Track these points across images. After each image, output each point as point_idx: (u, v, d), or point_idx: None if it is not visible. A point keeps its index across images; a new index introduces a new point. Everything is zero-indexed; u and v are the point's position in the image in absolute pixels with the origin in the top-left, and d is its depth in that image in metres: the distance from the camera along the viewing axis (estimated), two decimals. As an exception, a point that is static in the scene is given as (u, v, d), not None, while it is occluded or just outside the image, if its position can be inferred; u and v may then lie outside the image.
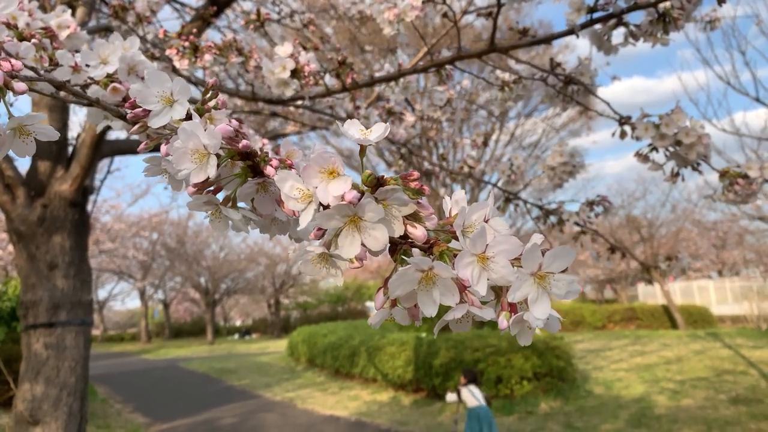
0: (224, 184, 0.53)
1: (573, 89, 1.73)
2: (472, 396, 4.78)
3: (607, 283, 22.77)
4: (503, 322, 0.46)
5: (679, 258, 2.48)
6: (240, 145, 0.50)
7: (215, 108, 0.57)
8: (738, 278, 19.19)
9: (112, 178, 19.68)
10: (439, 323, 0.47)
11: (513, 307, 0.46)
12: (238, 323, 33.77)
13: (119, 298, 39.01)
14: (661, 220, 18.87)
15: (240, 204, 0.55)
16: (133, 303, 40.57)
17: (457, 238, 0.47)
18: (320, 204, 0.46)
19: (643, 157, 1.61)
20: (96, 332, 29.35)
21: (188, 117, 0.55)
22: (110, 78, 0.75)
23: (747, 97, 8.61)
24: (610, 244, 2.01)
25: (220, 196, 0.53)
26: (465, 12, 2.22)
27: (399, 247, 0.48)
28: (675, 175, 1.61)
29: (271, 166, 0.50)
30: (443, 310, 0.47)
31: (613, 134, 1.71)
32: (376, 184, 0.46)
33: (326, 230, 0.48)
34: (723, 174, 1.57)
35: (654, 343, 10.63)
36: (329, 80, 2.06)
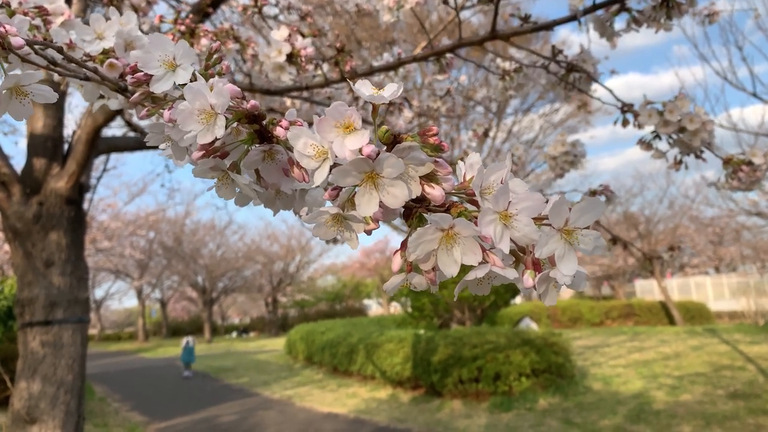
0: (230, 150, 0.51)
1: (575, 77, 1.71)
2: (188, 341, 11.90)
3: (605, 279, 22.80)
4: (528, 280, 0.44)
5: (681, 248, 2.44)
6: (248, 105, 0.48)
7: (219, 74, 0.55)
8: (735, 274, 19.24)
9: (109, 177, 19.58)
10: (460, 284, 0.45)
11: (537, 266, 0.45)
12: (235, 321, 33.73)
13: (116, 297, 38.92)
14: (659, 217, 18.88)
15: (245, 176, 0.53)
16: (131, 302, 40.45)
17: (474, 202, 0.45)
18: (335, 162, 0.44)
19: (646, 145, 1.60)
20: (93, 331, 29.30)
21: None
22: (107, 54, 0.73)
23: (744, 93, 8.61)
24: (612, 236, 1.99)
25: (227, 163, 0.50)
26: (463, 6, 2.20)
27: (414, 211, 0.46)
28: (678, 163, 1.60)
29: (281, 126, 0.48)
30: (460, 276, 0.45)
31: (615, 122, 1.69)
32: (392, 141, 0.44)
33: (341, 191, 0.46)
34: (727, 161, 1.55)
35: (652, 339, 10.63)
36: (327, 72, 2.04)
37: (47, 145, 2.96)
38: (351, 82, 0.46)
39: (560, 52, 1.72)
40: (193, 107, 0.47)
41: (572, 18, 1.50)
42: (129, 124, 4.22)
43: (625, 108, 1.65)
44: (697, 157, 1.56)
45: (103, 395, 9.42)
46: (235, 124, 0.50)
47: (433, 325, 10.83)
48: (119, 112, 2.98)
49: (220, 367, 12.62)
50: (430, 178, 0.45)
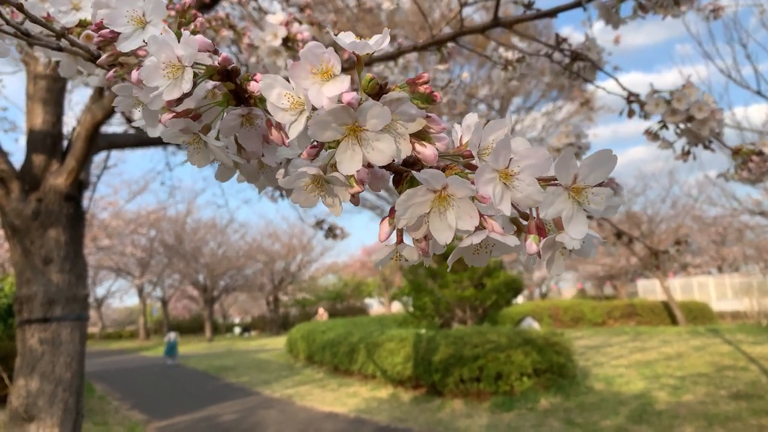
0: (204, 112, 0.46)
1: (579, 66, 1.66)
2: (170, 337, 14.36)
3: (607, 279, 22.74)
4: (532, 245, 0.38)
5: (688, 242, 2.37)
6: (219, 58, 0.43)
7: (194, 33, 0.51)
8: (738, 274, 19.16)
9: (110, 175, 19.47)
10: (454, 253, 0.40)
11: (542, 231, 0.39)
12: (236, 320, 33.72)
13: (117, 296, 38.92)
14: (661, 216, 18.83)
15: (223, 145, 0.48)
16: (132, 300, 40.48)
17: (471, 167, 0.40)
18: (313, 111, 0.39)
19: (652, 135, 1.55)
20: (94, 330, 29.30)
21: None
22: (83, 26, 0.69)
23: (748, 91, 8.55)
24: (617, 230, 1.95)
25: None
26: (466, 3, 2.16)
27: (405, 175, 0.41)
28: (686, 154, 1.55)
29: (255, 80, 0.43)
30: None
31: (621, 113, 1.64)
32: (378, 91, 0.39)
33: (320, 149, 0.41)
34: (736, 151, 1.50)
35: (654, 340, 10.58)
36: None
37: (46, 142, 2.94)
38: (333, 33, 0.41)
39: (564, 40, 1.67)
40: (159, 60, 0.42)
41: (577, 4, 1.46)
42: (129, 120, 4.19)
43: (631, 98, 1.60)
44: (706, 147, 1.51)
45: (103, 393, 9.39)
46: (210, 85, 0.45)
47: (434, 324, 10.79)
48: (118, 108, 2.94)
49: (221, 366, 12.58)
50: (421, 136, 0.40)
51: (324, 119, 0.38)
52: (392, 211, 0.40)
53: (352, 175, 0.39)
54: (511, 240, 0.39)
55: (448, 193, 0.39)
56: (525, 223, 0.41)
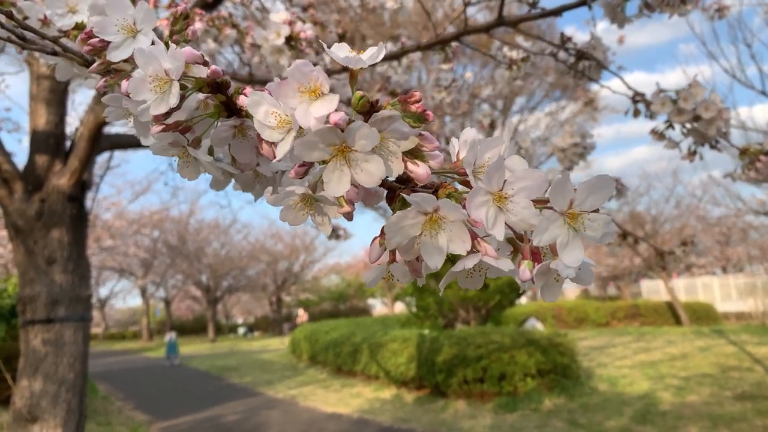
0: (195, 123, 0.45)
1: (585, 65, 1.65)
2: (171, 336, 14.75)
3: (611, 280, 22.68)
4: (526, 272, 0.37)
5: (695, 243, 2.36)
6: (208, 71, 0.42)
7: (185, 41, 0.49)
8: (742, 275, 19.07)
9: (113, 175, 19.44)
10: (447, 276, 0.39)
11: (537, 256, 0.38)
12: (239, 321, 33.74)
13: (121, 296, 39.02)
14: (665, 216, 18.76)
15: (218, 156, 0.47)
16: (135, 301, 40.52)
17: (467, 184, 0.39)
18: (301, 131, 0.38)
19: (658, 135, 1.53)
20: (98, 330, 29.37)
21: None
22: (80, 29, 0.68)
23: (753, 91, 8.50)
24: (622, 230, 1.93)
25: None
26: (470, 2, 2.14)
27: (397, 193, 0.40)
28: (692, 153, 1.53)
29: (245, 94, 0.42)
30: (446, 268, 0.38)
31: (626, 112, 1.63)
32: (369, 110, 0.38)
33: (309, 168, 0.39)
34: (744, 151, 1.48)
35: (658, 340, 10.55)
36: (329, 63, 1.99)
37: (49, 142, 2.94)
38: (325, 45, 0.39)
39: (569, 39, 1.65)
40: (146, 73, 0.41)
41: (582, 3, 1.44)
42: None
43: (637, 97, 1.58)
44: (712, 147, 1.49)
45: (107, 394, 9.40)
46: (201, 96, 0.44)
47: (437, 324, 10.77)
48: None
49: (224, 366, 12.59)
50: (414, 154, 0.39)
51: (311, 140, 0.37)
52: (384, 231, 0.39)
53: (342, 195, 0.38)
54: (505, 264, 0.37)
55: (439, 215, 0.37)
56: (521, 243, 0.40)
